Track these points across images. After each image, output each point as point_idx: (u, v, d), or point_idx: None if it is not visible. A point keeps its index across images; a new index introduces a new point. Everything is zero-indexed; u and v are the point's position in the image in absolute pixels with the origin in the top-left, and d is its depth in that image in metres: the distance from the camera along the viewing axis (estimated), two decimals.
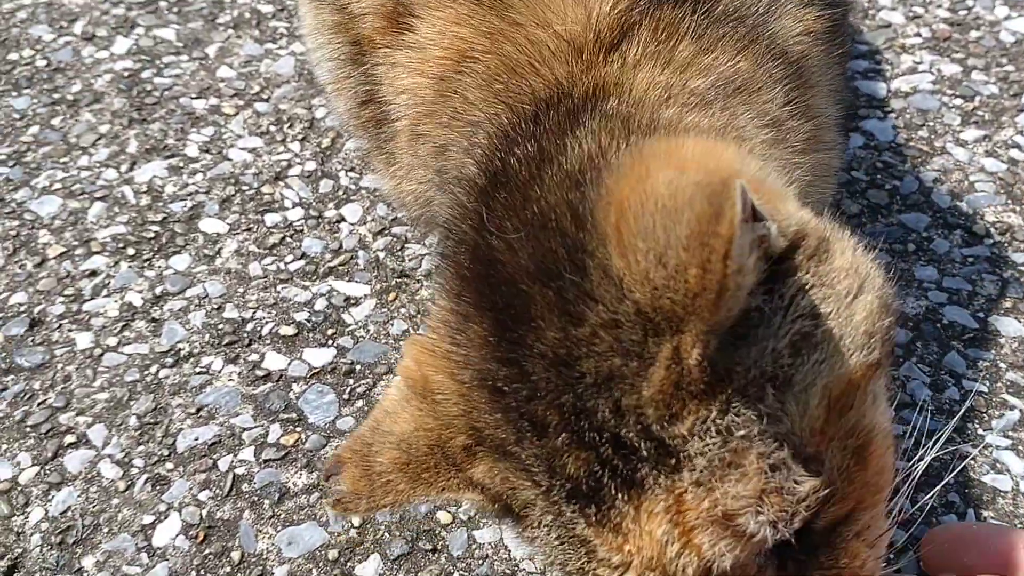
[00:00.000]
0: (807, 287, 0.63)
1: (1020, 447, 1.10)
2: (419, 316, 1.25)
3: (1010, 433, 1.11)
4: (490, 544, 1.04)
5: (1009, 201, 1.36)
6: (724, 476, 0.60)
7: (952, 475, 1.07)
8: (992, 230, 1.33)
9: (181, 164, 1.48)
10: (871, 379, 0.66)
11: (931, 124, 1.50)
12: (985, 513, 1.04)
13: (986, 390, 1.15)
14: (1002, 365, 1.18)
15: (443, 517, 1.06)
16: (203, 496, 1.08)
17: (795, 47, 0.88)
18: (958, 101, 1.53)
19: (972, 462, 1.08)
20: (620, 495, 0.63)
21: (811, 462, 0.62)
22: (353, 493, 0.70)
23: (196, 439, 1.14)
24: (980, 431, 1.11)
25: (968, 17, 1.70)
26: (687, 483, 0.61)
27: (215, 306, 1.28)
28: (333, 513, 0.70)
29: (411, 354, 0.74)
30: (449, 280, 0.74)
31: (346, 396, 1.17)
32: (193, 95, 1.61)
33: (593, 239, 0.62)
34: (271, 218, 1.39)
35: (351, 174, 1.45)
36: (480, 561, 1.03)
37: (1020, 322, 1.22)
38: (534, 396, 0.65)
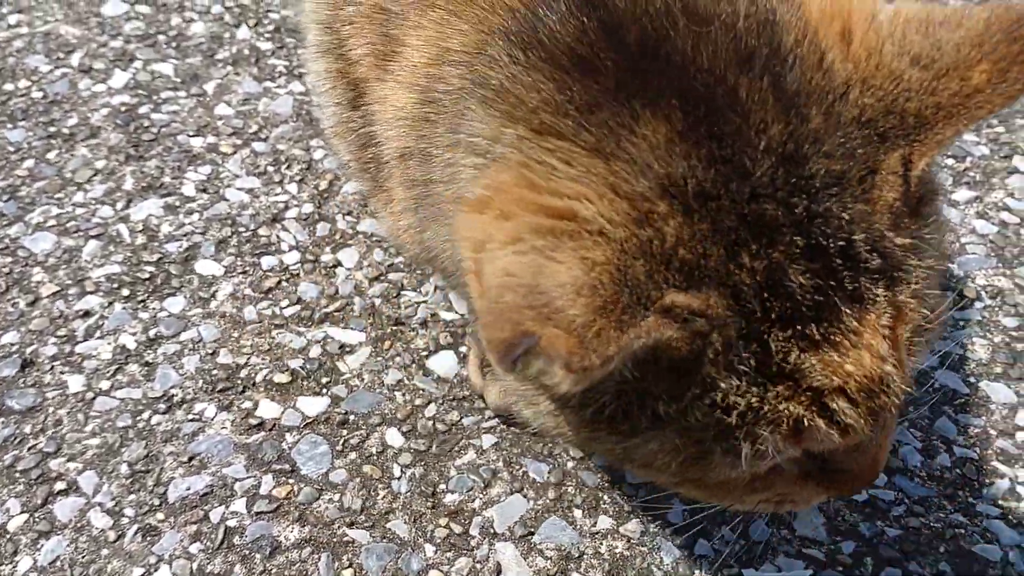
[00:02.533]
0: None
1: (1010, 516, 1.11)
2: (413, 366, 1.25)
3: (1000, 502, 1.12)
4: None
5: (1000, 264, 1.38)
6: (927, 290, 0.63)
7: (943, 544, 1.08)
8: (983, 293, 1.34)
9: (177, 203, 1.48)
10: None
11: None
12: None
13: (976, 457, 1.16)
14: (992, 432, 1.19)
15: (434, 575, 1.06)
16: (194, 548, 1.08)
17: None
18: (950, 161, 1.55)
19: (962, 531, 1.09)
20: (846, 310, 0.60)
21: None
22: (571, 353, 0.54)
23: (188, 488, 1.13)
24: (971, 499, 1.12)
25: None
26: (908, 296, 0.62)
27: (209, 351, 1.27)
28: (572, 379, 0.54)
29: (519, 200, 0.61)
30: (583, 84, 0.64)
31: (339, 447, 1.17)
32: (191, 132, 1.61)
33: (802, 44, 0.63)
34: (267, 261, 1.39)
35: (348, 218, 1.45)
36: None
37: (1010, 388, 1.23)
38: (760, 195, 0.60)
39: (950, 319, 1.28)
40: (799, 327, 0.60)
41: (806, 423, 0.62)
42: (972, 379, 1.24)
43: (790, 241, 0.60)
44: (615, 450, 0.69)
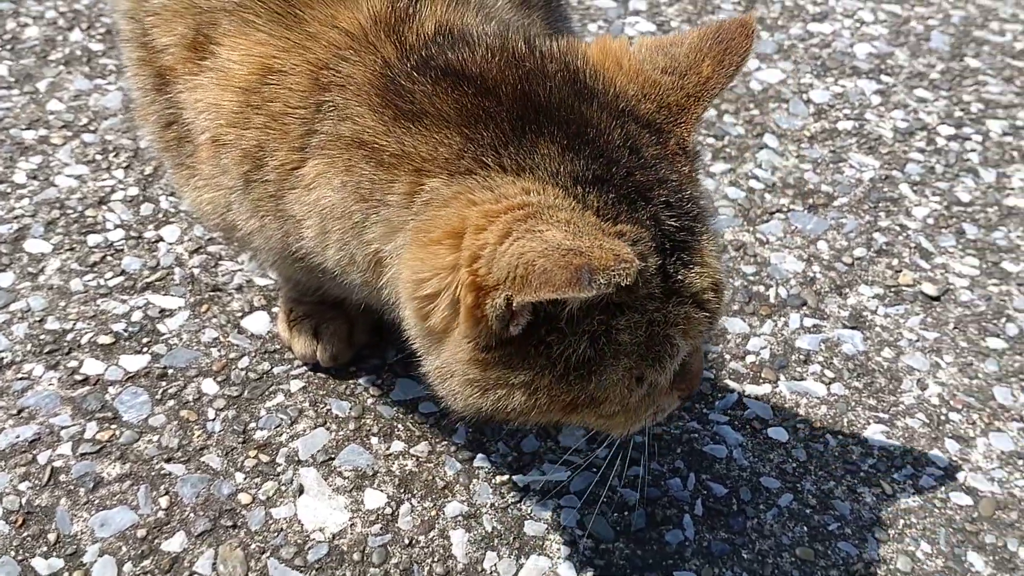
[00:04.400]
0: None
1: (735, 422, 1.32)
2: (228, 325, 1.40)
3: (728, 411, 1.34)
4: (285, 520, 1.19)
5: (745, 223, 1.62)
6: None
7: (680, 447, 1.29)
8: (730, 246, 1.57)
9: (8, 190, 1.58)
10: None
11: None
12: (703, 476, 1.26)
13: (712, 377, 1.38)
14: (727, 356, 1.41)
15: (243, 498, 1.20)
16: (23, 487, 1.19)
17: None
18: (711, 140, 1.79)
19: (696, 435, 1.30)
20: (694, 243, 0.88)
21: None
22: (618, 260, 0.75)
23: (17, 437, 1.24)
24: (705, 410, 1.34)
25: None
26: (711, 226, 0.93)
27: (37, 319, 1.39)
28: (635, 272, 0.75)
29: (485, 213, 0.82)
30: (486, 131, 0.87)
31: (158, 397, 1.31)
32: (23, 126, 1.71)
33: (600, 79, 0.92)
34: (93, 239, 1.51)
35: (171, 198, 1.58)
36: (276, 534, 1.17)
37: (744, 321, 1.45)
38: (631, 172, 0.86)
39: None
40: (678, 254, 0.87)
41: (692, 317, 0.88)
42: None
43: (658, 196, 0.86)
44: (586, 392, 0.89)
